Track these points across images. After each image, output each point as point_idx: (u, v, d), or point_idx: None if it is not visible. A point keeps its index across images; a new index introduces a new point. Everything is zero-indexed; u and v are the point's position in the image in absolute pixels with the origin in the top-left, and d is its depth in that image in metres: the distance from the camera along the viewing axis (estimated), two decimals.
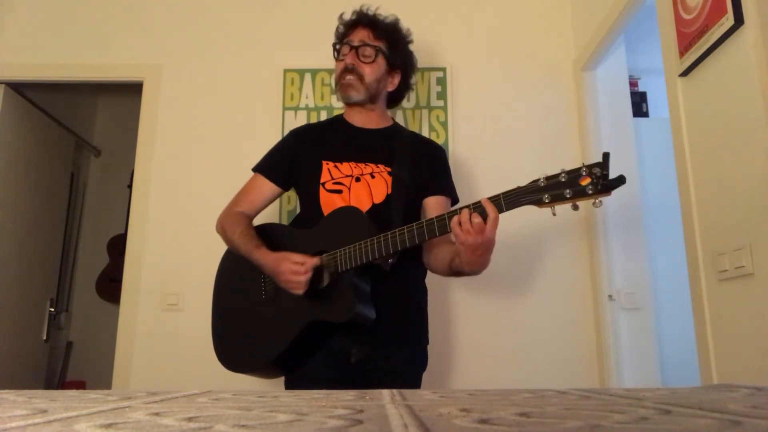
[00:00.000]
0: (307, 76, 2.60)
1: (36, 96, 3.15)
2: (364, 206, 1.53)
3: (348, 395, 0.69)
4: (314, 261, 1.42)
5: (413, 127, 2.52)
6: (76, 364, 3.78)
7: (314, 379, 1.48)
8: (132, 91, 2.80)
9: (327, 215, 1.53)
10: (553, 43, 2.63)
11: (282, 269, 1.42)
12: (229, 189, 2.48)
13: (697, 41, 1.61)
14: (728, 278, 1.51)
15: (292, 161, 1.65)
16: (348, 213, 1.49)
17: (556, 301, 2.38)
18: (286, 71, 2.61)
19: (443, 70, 2.59)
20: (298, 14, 2.70)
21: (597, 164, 1.13)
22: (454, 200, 1.68)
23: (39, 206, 3.23)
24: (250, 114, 2.60)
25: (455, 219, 1.27)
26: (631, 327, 2.28)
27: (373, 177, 1.57)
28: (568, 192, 1.15)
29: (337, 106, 2.56)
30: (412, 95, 2.56)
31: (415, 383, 1.57)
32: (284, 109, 2.57)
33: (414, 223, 1.35)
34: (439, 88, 2.58)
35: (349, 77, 1.61)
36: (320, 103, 2.58)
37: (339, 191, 1.56)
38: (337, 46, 1.70)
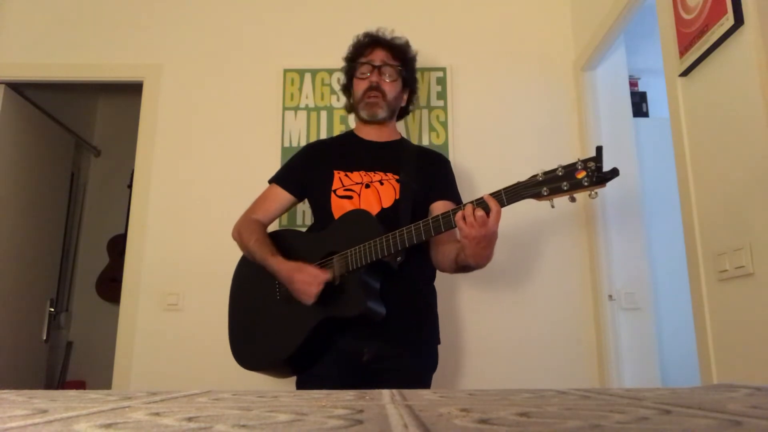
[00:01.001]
0: (307, 76, 2.60)
1: (36, 96, 3.15)
2: (373, 211, 1.61)
3: (348, 395, 0.69)
4: (327, 276, 1.50)
5: (413, 127, 2.52)
6: (76, 364, 3.78)
7: (325, 379, 1.54)
8: (132, 91, 2.80)
9: (338, 218, 1.61)
10: (553, 43, 2.63)
11: (295, 279, 1.51)
12: (229, 189, 2.50)
13: (697, 41, 1.61)
14: (728, 278, 1.51)
15: (306, 172, 1.75)
16: (357, 215, 1.57)
17: (556, 301, 2.38)
18: (286, 71, 2.61)
19: (443, 70, 2.59)
20: (298, 14, 2.71)
21: (591, 158, 1.21)
22: (457, 204, 1.72)
23: (39, 206, 3.23)
24: (250, 114, 2.60)
25: (459, 214, 1.35)
26: (631, 327, 2.28)
27: (381, 184, 1.66)
28: (565, 185, 1.23)
29: (338, 106, 2.57)
30: None
31: (424, 384, 1.62)
32: (284, 109, 2.57)
33: (420, 221, 1.43)
34: (439, 88, 2.58)
35: (374, 95, 1.71)
36: (320, 103, 2.58)
37: (349, 197, 1.64)
38: (353, 64, 1.78)
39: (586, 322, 2.36)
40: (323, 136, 2.52)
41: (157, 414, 0.50)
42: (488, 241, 1.36)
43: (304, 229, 1.91)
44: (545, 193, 1.25)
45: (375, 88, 1.70)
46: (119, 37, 2.72)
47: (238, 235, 1.72)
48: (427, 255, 1.68)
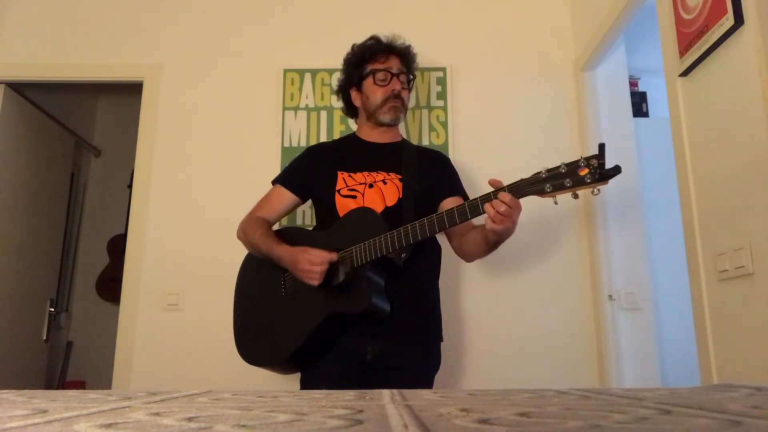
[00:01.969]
0: (307, 76, 2.60)
1: (36, 96, 3.15)
2: (377, 209, 1.63)
3: (348, 395, 0.69)
4: (331, 255, 1.52)
5: (413, 127, 2.52)
6: (76, 364, 3.78)
7: (329, 377, 1.56)
8: (132, 91, 2.80)
9: (342, 216, 1.63)
10: (553, 43, 2.63)
11: (299, 259, 1.53)
12: (229, 189, 2.50)
13: (697, 41, 1.61)
14: (728, 278, 1.51)
15: (309, 173, 1.77)
16: (362, 213, 1.59)
17: (556, 301, 2.38)
18: (286, 71, 2.61)
19: (443, 70, 2.59)
20: (298, 14, 2.70)
21: (594, 156, 1.22)
22: (466, 199, 1.76)
23: (39, 206, 3.23)
24: (250, 114, 2.60)
25: (490, 210, 1.34)
26: (631, 327, 2.28)
27: (385, 183, 1.68)
28: (568, 181, 1.25)
29: (338, 106, 2.56)
30: (412, 95, 2.56)
31: (427, 383, 1.63)
32: (284, 109, 2.57)
33: (425, 218, 1.45)
34: (439, 88, 2.58)
35: (397, 102, 1.75)
36: (320, 103, 2.58)
37: (353, 196, 1.66)
38: (364, 66, 1.79)
39: (586, 322, 2.36)
40: (323, 136, 2.52)
41: (157, 414, 0.50)
42: (514, 221, 1.38)
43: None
44: (548, 190, 1.27)
45: (397, 95, 1.74)
46: (119, 37, 2.72)
47: (243, 233, 1.73)
48: (431, 253, 1.71)
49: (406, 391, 0.76)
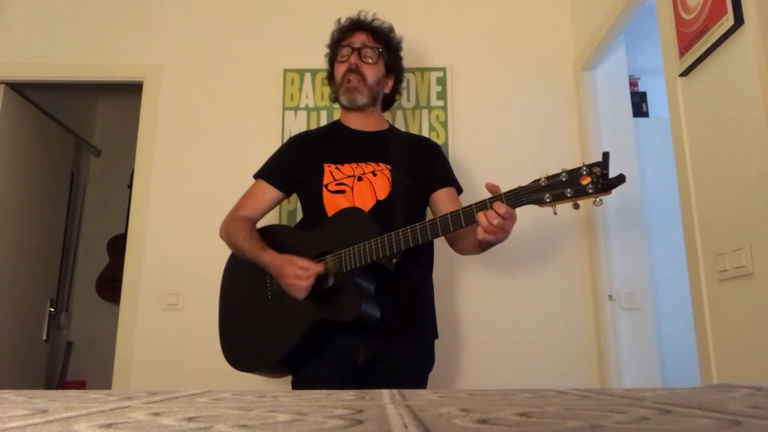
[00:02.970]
0: (307, 76, 2.60)
1: (36, 96, 3.15)
2: (368, 204, 1.57)
3: (348, 395, 0.69)
4: (318, 268, 1.45)
5: (413, 127, 2.52)
6: (76, 364, 3.78)
7: (320, 380, 1.50)
8: (132, 91, 2.80)
9: (331, 216, 1.56)
10: (553, 43, 2.63)
11: (286, 272, 1.46)
12: (229, 189, 2.49)
13: (697, 41, 1.61)
14: (728, 278, 1.51)
15: (293, 166, 1.69)
16: (351, 214, 1.52)
17: (556, 301, 2.38)
18: (286, 71, 2.61)
19: (443, 70, 2.59)
20: (298, 14, 2.70)
21: (597, 163, 1.15)
22: (459, 189, 1.73)
23: (39, 206, 3.23)
24: (250, 114, 2.60)
25: (482, 227, 1.28)
26: (631, 327, 2.28)
27: (375, 175, 1.61)
28: (569, 191, 1.17)
29: (337, 105, 2.56)
30: (412, 95, 2.57)
31: (421, 384, 1.59)
32: (284, 109, 2.57)
33: (417, 223, 1.38)
34: (439, 88, 2.57)
35: (353, 79, 1.66)
36: (320, 104, 2.58)
37: (342, 191, 1.59)
38: (335, 49, 1.75)
39: (586, 322, 2.36)
40: None
41: (157, 414, 0.50)
42: (507, 232, 1.33)
43: None
44: (548, 200, 1.20)
45: (354, 70, 1.66)
46: (119, 37, 2.72)
47: (226, 234, 1.67)
48: (424, 250, 1.64)
49: (406, 391, 0.76)
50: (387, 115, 2.01)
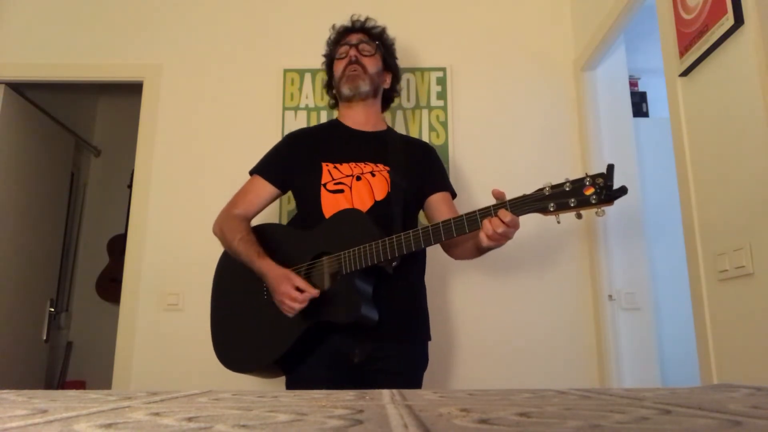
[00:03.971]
0: (307, 76, 2.60)
1: (36, 96, 3.15)
2: (366, 204, 1.56)
3: (348, 395, 0.69)
4: (314, 293, 1.44)
5: (413, 127, 2.52)
6: (76, 364, 3.78)
7: (315, 380, 1.49)
8: (132, 91, 2.80)
9: (329, 217, 1.55)
10: (553, 43, 2.63)
11: (282, 290, 1.44)
12: (229, 189, 2.48)
13: (697, 41, 1.61)
14: (728, 278, 1.51)
15: (290, 164, 1.68)
16: (351, 215, 1.52)
17: (556, 301, 2.38)
18: (286, 71, 2.61)
19: (443, 70, 2.59)
20: (298, 14, 2.70)
21: (600, 175, 1.17)
22: (453, 194, 1.74)
23: (39, 206, 3.23)
24: (250, 114, 2.60)
25: (488, 229, 1.30)
26: (631, 327, 2.28)
27: (373, 175, 1.61)
28: (572, 201, 1.19)
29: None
30: (412, 95, 2.56)
31: (415, 384, 1.59)
32: (284, 109, 2.57)
33: (420, 228, 1.40)
34: (439, 88, 2.57)
35: (354, 68, 1.69)
36: (320, 103, 2.57)
37: (341, 191, 1.58)
38: (332, 51, 1.80)
39: (586, 322, 2.36)
40: None
41: (157, 414, 0.50)
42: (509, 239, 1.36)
43: None
44: (552, 209, 1.22)
45: (355, 62, 1.70)
46: (119, 37, 2.72)
47: (221, 232, 1.66)
48: (418, 253, 1.61)
49: (406, 391, 0.76)
50: (387, 116, 2.01)
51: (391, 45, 1.82)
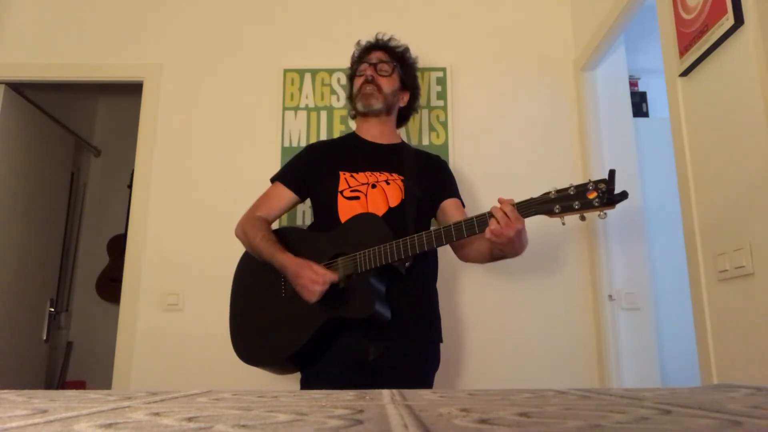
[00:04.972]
0: (307, 76, 2.60)
1: (36, 96, 3.15)
2: (381, 210, 1.64)
3: (348, 395, 0.69)
4: (333, 276, 1.51)
5: (413, 127, 2.52)
6: (76, 364, 3.78)
7: (329, 377, 1.55)
8: (132, 91, 2.80)
9: (345, 221, 1.62)
10: (553, 43, 2.63)
11: (303, 274, 1.52)
12: (229, 188, 2.50)
13: (697, 41, 1.61)
14: (728, 278, 1.51)
15: (310, 173, 1.77)
16: (366, 218, 1.60)
17: (556, 301, 2.38)
18: (286, 71, 2.61)
19: (443, 70, 2.59)
20: (298, 14, 2.70)
21: (603, 180, 1.26)
22: (462, 204, 1.83)
23: (39, 206, 3.23)
24: (250, 114, 2.60)
25: (495, 226, 1.37)
26: (631, 327, 2.28)
27: (388, 183, 1.69)
28: (576, 204, 1.29)
29: (338, 106, 2.57)
30: None
31: (427, 382, 1.64)
32: (284, 109, 2.57)
33: (432, 228, 1.48)
34: (439, 88, 2.57)
35: (369, 87, 1.77)
36: (320, 104, 2.58)
37: (357, 197, 1.66)
38: (355, 67, 1.88)
39: (586, 322, 2.36)
40: (323, 136, 2.52)
41: (157, 414, 0.50)
42: (517, 239, 1.39)
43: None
44: (557, 211, 1.31)
45: (370, 81, 1.77)
46: (119, 37, 2.71)
47: (243, 233, 1.73)
48: (430, 255, 1.71)
49: (406, 391, 0.76)
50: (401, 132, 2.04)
51: (412, 64, 1.91)
